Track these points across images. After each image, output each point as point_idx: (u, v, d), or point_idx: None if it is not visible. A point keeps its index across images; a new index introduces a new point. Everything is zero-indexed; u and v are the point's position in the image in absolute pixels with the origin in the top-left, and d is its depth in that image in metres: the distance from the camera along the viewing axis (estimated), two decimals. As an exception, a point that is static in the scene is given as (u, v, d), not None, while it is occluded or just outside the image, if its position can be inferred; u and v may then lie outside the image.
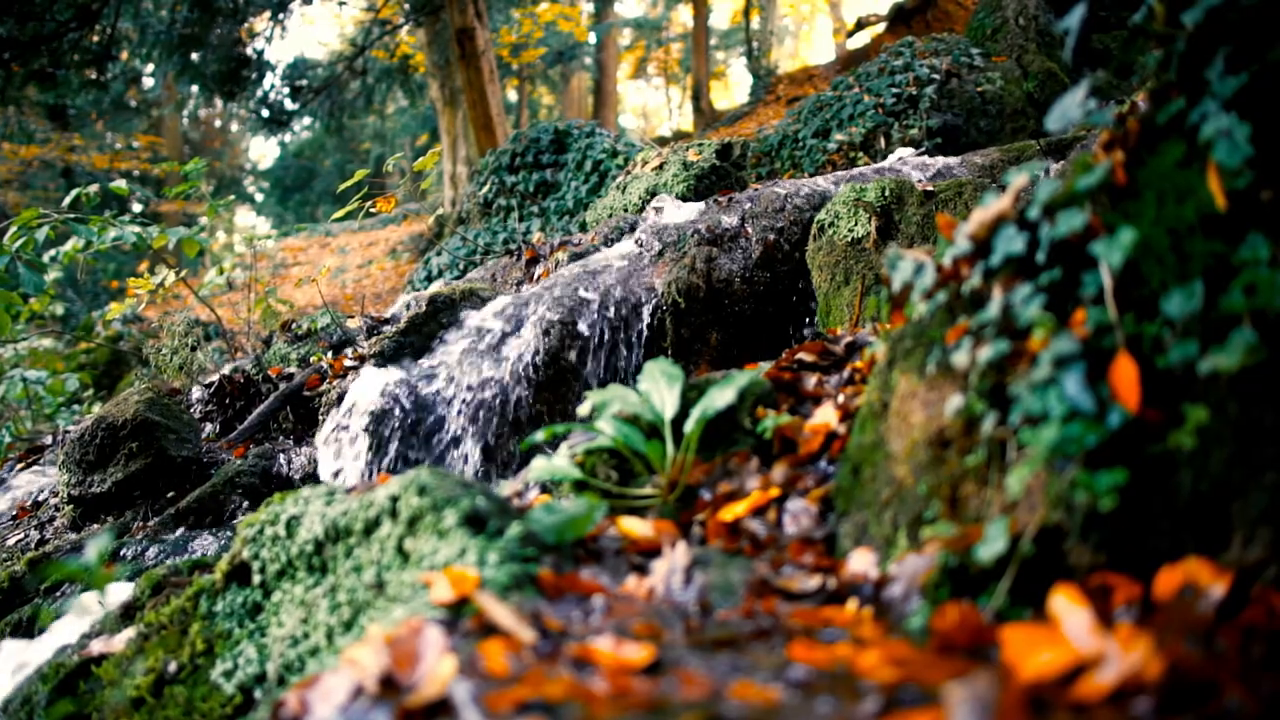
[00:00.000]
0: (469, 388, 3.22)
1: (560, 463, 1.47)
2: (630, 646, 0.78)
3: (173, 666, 1.25)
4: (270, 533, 1.24)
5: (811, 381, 1.53)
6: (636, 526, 1.20)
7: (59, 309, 11.19)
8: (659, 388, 1.48)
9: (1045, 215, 0.97)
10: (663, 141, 15.37)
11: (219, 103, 22.13)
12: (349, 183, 4.72)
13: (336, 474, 3.24)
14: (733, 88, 33.00)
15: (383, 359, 3.54)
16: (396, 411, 3.19)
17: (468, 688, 0.67)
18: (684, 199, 4.79)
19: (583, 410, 1.52)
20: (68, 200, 4.43)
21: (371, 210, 4.87)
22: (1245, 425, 0.77)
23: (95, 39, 10.34)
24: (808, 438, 1.36)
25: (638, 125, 35.01)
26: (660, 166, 5.27)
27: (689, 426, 1.37)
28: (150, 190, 18.98)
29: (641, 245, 3.81)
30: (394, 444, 3.17)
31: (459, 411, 3.19)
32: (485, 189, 8.62)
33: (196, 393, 4.04)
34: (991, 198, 1.05)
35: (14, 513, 3.59)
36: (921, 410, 1.05)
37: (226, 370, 4.12)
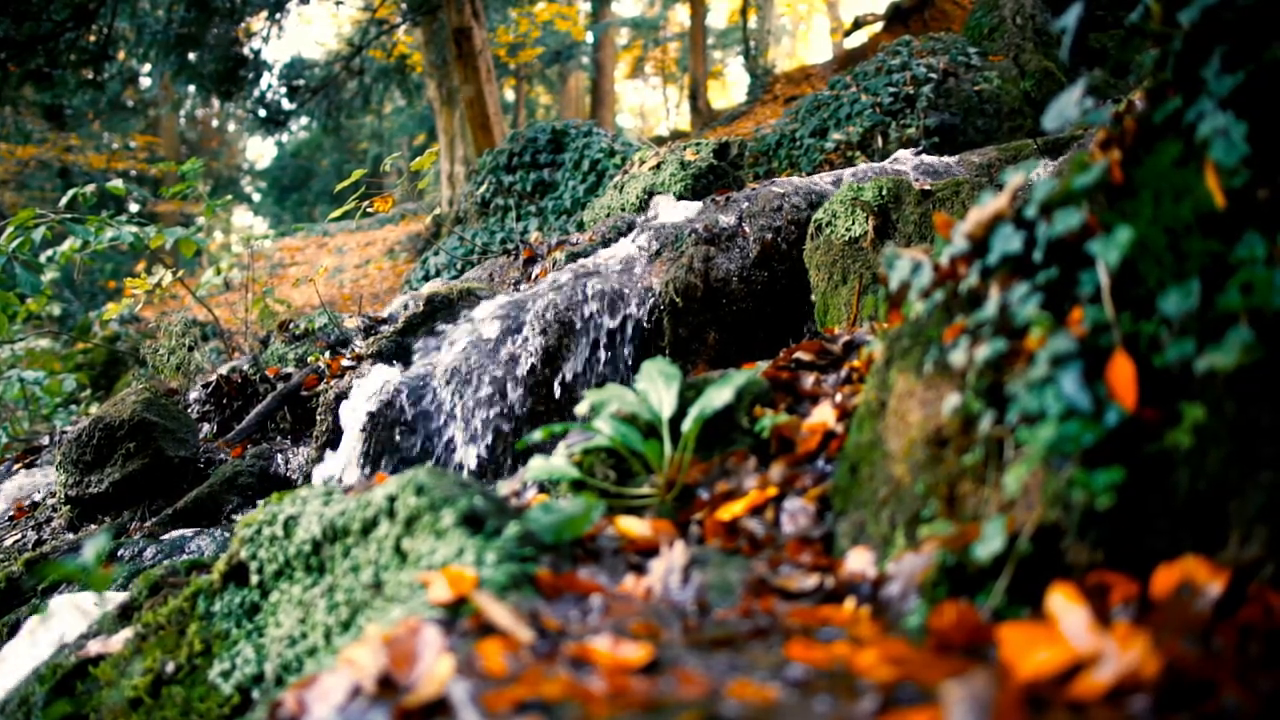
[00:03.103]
0: (467, 387, 3.22)
1: (558, 462, 1.46)
2: (628, 646, 0.78)
3: (170, 667, 1.25)
4: (268, 533, 1.24)
5: (809, 381, 1.53)
6: (634, 526, 1.20)
7: (56, 309, 11.18)
8: (657, 387, 1.48)
9: (1042, 214, 0.97)
10: (660, 141, 15.37)
11: (216, 102, 22.13)
12: (346, 182, 4.72)
13: (336, 475, 3.24)
14: (730, 87, 33.02)
15: (380, 359, 3.53)
16: (394, 411, 3.18)
17: (466, 687, 0.67)
18: (681, 198, 4.79)
19: (580, 409, 1.52)
20: (64, 200, 4.42)
21: (369, 210, 4.87)
22: (1242, 424, 0.77)
23: (92, 39, 10.32)
24: (805, 437, 1.36)
25: (635, 125, 35.01)
26: (658, 166, 5.27)
27: (687, 426, 1.37)
28: (147, 190, 18.97)
29: (639, 245, 3.81)
30: (391, 443, 3.17)
31: (456, 411, 3.19)
32: (483, 189, 8.62)
33: (194, 393, 4.04)
34: (989, 197, 1.05)
35: (11, 513, 3.59)
36: (919, 409, 1.05)
37: (224, 370, 4.11)
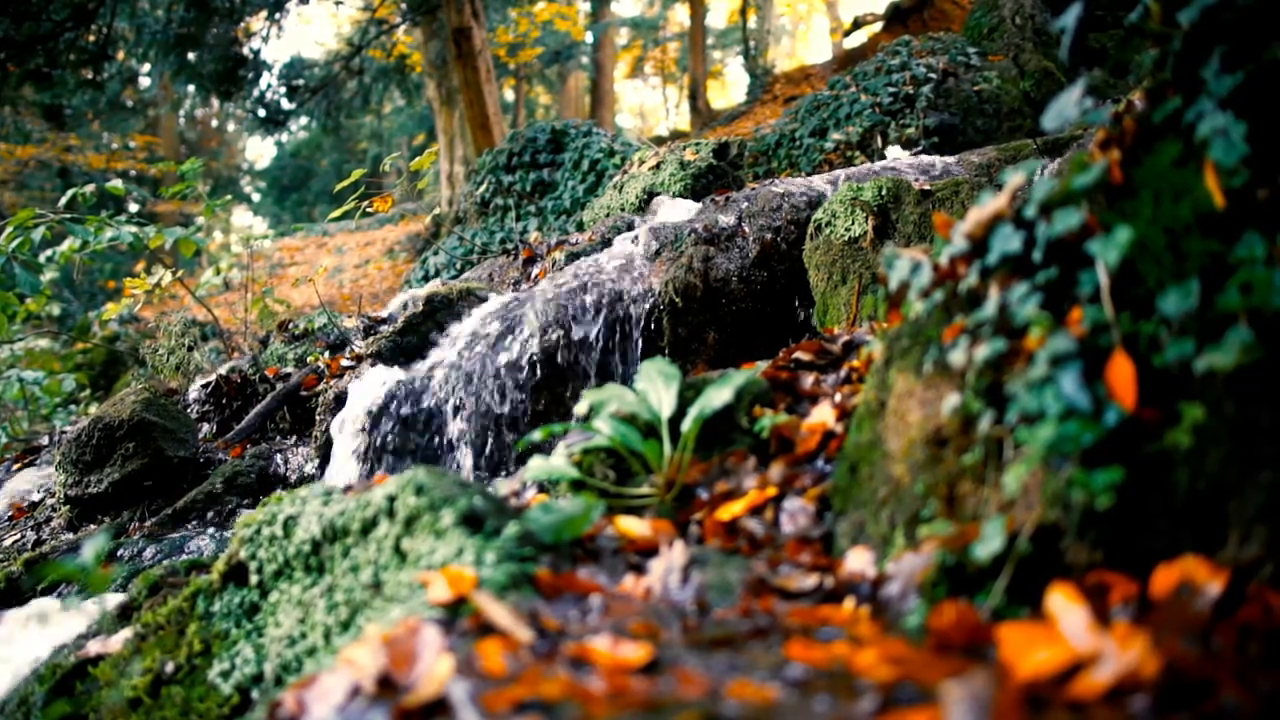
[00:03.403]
0: (466, 387, 3.22)
1: (557, 462, 1.46)
2: (628, 646, 0.78)
3: (170, 667, 1.25)
4: (267, 533, 1.24)
5: (809, 380, 1.53)
6: (634, 526, 1.20)
7: (55, 309, 11.18)
8: (656, 387, 1.48)
9: (1042, 214, 0.97)
10: (660, 141, 15.36)
11: (215, 102, 22.13)
12: (346, 182, 4.71)
13: (334, 473, 3.24)
14: (730, 87, 33.03)
15: (380, 359, 3.53)
16: (393, 411, 3.18)
17: (465, 687, 0.67)
18: (681, 198, 4.79)
19: (580, 409, 1.52)
20: (64, 200, 4.42)
21: (368, 210, 4.87)
22: (1242, 424, 0.77)
23: (91, 39, 10.32)
24: (805, 437, 1.36)
25: (635, 125, 35.02)
26: (657, 166, 5.27)
27: (686, 426, 1.37)
28: (147, 190, 18.97)
29: (639, 244, 3.81)
30: (391, 443, 3.17)
31: (456, 411, 3.19)
32: (482, 188, 8.62)
33: (193, 393, 4.03)
34: (988, 197, 1.05)
35: (10, 513, 3.59)
36: (918, 409, 1.05)
37: (223, 370, 4.11)
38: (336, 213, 4.87)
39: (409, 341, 3.63)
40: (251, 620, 1.22)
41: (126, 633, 1.39)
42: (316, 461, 3.34)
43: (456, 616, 0.86)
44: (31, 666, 1.54)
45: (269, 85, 13.20)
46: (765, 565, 1.10)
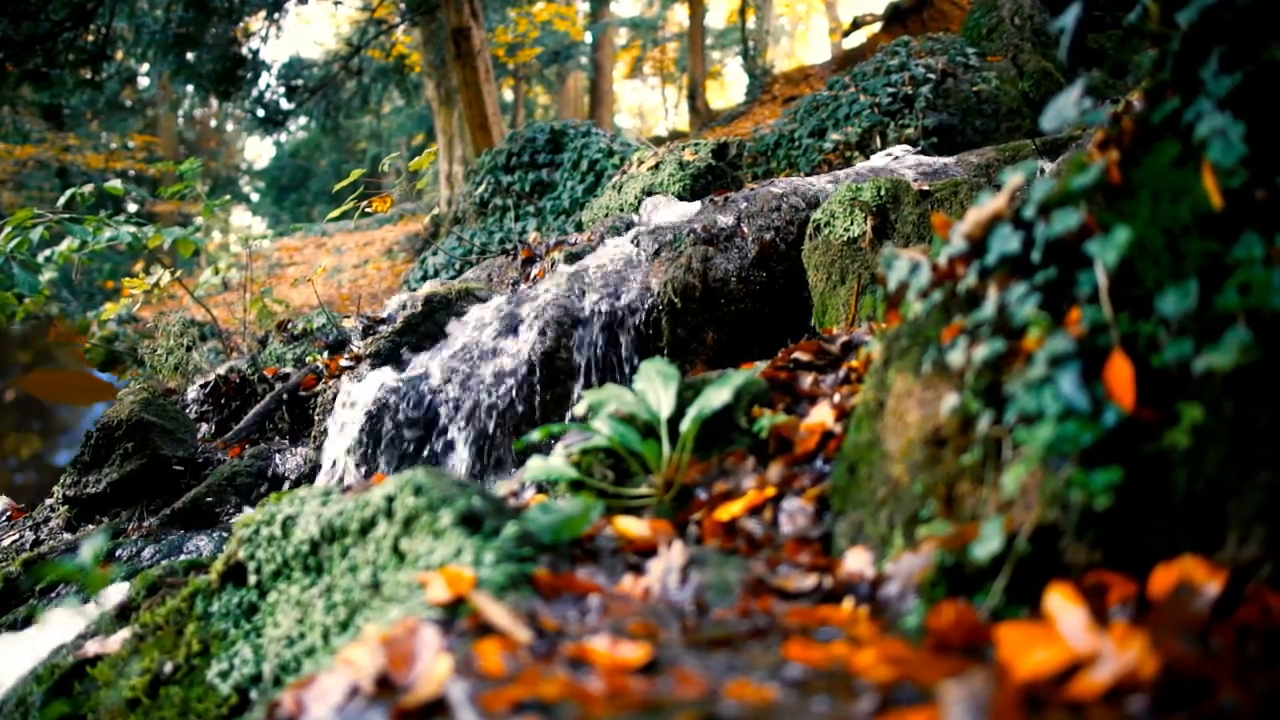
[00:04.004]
0: (465, 388, 3.22)
1: (556, 462, 1.46)
2: (626, 646, 0.78)
3: (168, 667, 1.25)
4: (266, 533, 1.24)
5: (807, 381, 1.53)
6: (633, 526, 1.20)
7: (54, 309, 11.16)
8: (655, 387, 1.48)
9: (1040, 214, 0.97)
10: (659, 141, 15.36)
11: (214, 102, 22.10)
12: (345, 182, 4.71)
13: (333, 473, 3.24)
14: (729, 87, 33.05)
15: (379, 359, 3.53)
16: (392, 411, 3.18)
17: (464, 687, 0.67)
18: (680, 198, 4.79)
19: (579, 410, 1.52)
20: (63, 200, 4.42)
21: (367, 210, 4.87)
22: (1240, 424, 0.77)
23: (90, 38, 10.32)
24: (804, 437, 1.36)
25: (634, 125, 35.04)
26: (656, 166, 5.27)
27: (685, 426, 1.37)
28: (145, 190, 18.97)
29: (637, 245, 3.81)
30: (390, 444, 3.17)
31: (455, 411, 3.19)
32: (481, 189, 8.62)
33: (192, 393, 4.03)
34: (987, 197, 1.05)
35: (9, 513, 3.59)
36: (917, 409, 1.05)
37: (222, 370, 4.11)
38: (335, 213, 4.87)
39: (408, 341, 3.63)
40: (250, 620, 1.22)
41: (125, 633, 1.39)
42: (315, 461, 3.34)
43: (455, 617, 0.86)
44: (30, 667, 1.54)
45: (268, 85, 13.20)
46: (764, 565, 1.10)
